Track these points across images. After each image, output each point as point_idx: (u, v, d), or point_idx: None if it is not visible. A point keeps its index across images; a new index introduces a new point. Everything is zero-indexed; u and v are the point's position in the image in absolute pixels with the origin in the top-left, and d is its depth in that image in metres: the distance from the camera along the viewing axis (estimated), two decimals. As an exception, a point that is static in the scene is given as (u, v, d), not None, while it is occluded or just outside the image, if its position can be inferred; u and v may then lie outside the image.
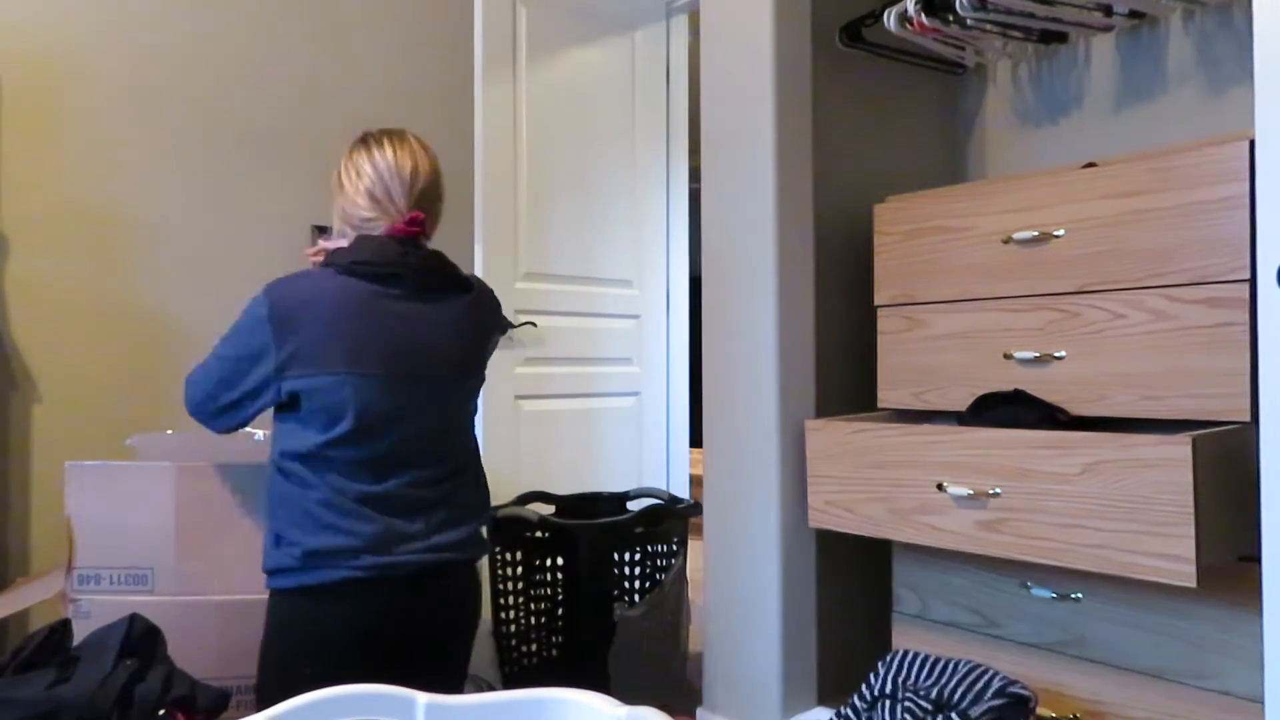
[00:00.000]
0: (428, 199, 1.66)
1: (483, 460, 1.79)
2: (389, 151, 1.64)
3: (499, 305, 1.80)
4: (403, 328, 1.58)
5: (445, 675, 1.67)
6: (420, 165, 1.65)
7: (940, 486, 1.77)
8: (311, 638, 1.58)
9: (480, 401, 1.81)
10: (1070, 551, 1.59)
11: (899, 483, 1.85)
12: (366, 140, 1.67)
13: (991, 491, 1.69)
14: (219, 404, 1.62)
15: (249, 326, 1.57)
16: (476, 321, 1.70)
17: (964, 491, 1.73)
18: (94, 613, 1.80)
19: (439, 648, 1.67)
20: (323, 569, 1.56)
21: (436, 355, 1.62)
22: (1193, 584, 1.45)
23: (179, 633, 1.68)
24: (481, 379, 1.77)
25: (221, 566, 1.87)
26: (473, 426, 1.77)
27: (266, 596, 1.64)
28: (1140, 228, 1.67)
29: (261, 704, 1.56)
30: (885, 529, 1.88)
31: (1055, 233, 1.78)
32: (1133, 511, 1.51)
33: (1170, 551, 1.47)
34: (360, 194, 1.63)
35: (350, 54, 3.14)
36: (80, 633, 1.66)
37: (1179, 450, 1.45)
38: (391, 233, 1.61)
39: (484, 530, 1.77)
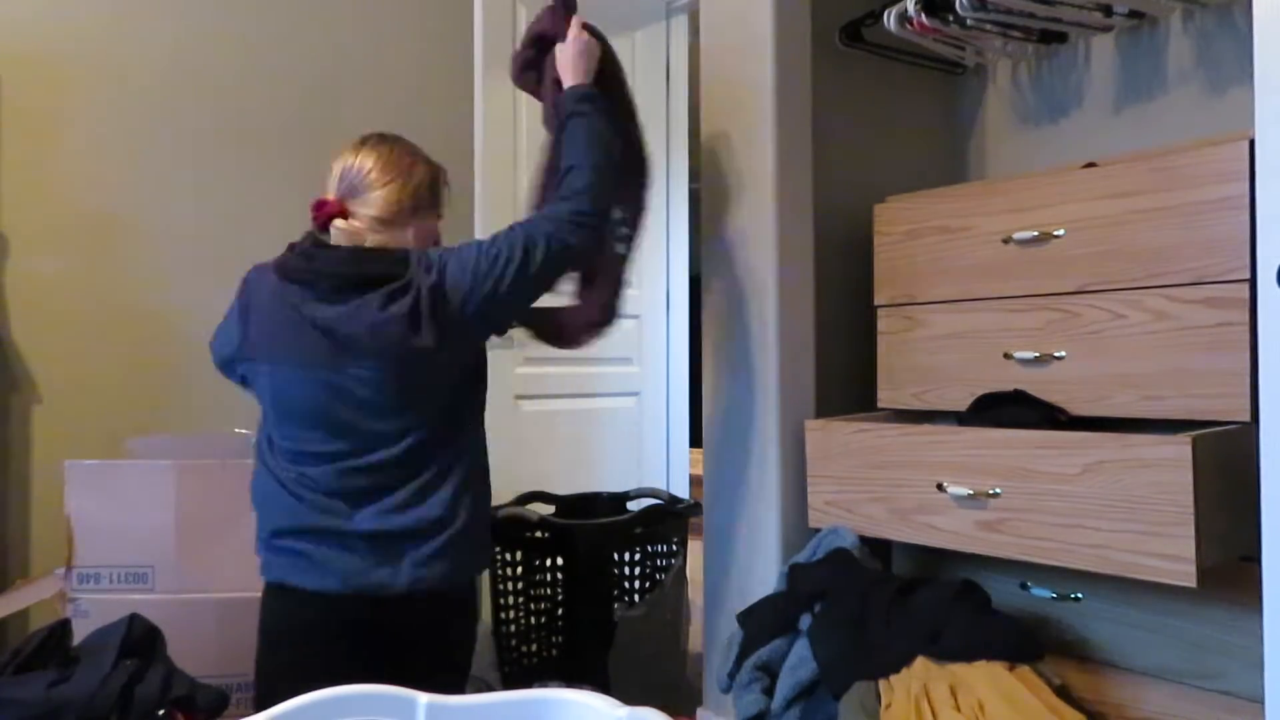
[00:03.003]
0: (361, 189, 1.62)
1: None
2: (353, 153, 1.66)
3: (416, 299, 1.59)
4: (315, 329, 1.56)
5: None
6: (365, 162, 1.63)
7: (940, 486, 1.77)
8: (274, 635, 1.62)
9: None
10: (1070, 551, 1.59)
11: (899, 483, 1.85)
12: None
13: (991, 491, 1.69)
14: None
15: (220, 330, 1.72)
16: (400, 310, 1.54)
17: (964, 491, 1.73)
18: (93, 612, 1.80)
19: (426, 663, 1.63)
20: (267, 567, 1.61)
21: (354, 347, 1.54)
22: (1193, 584, 1.45)
23: (179, 631, 1.68)
24: (442, 362, 1.58)
25: (222, 564, 1.87)
26: (443, 421, 1.62)
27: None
28: (1140, 228, 1.67)
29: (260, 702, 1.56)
30: (885, 529, 1.88)
31: (1055, 233, 1.78)
32: (1133, 511, 1.51)
33: (1170, 551, 1.47)
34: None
35: (350, 54, 3.14)
36: (80, 632, 1.66)
37: (1179, 450, 1.45)
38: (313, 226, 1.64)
39: (454, 546, 1.60)
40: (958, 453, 1.75)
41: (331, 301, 1.56)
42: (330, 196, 1.63)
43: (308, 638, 1.58)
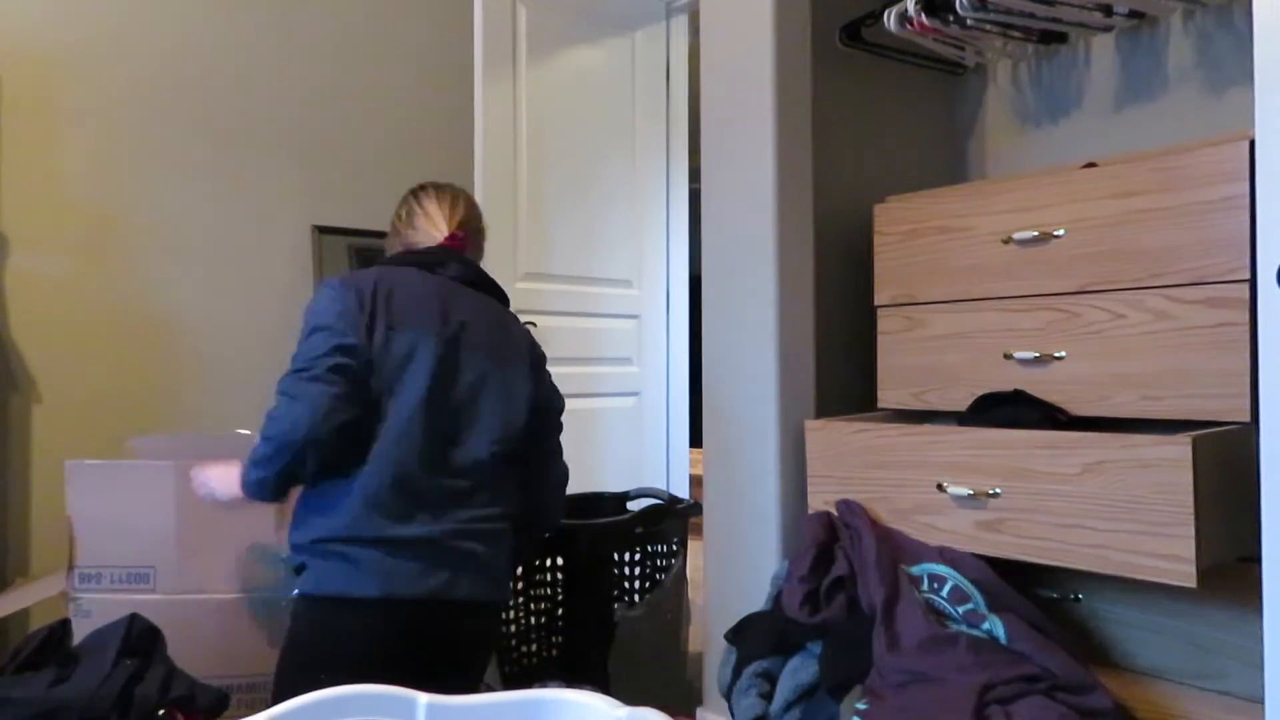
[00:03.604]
0: (469, 226, 1.86)
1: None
2: (433, 195, 1.86)
3: (532, 340, 1.86)
4: (447, 299, 1.71)
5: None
6: (459, 199, 1.88)
7: (940, 486, 1.77)
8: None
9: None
10: (1070, 551, 1.59)
11: (899, 483, 1.85)
12: (416, 191, 1.89)
13: (991, 491, 1.69)
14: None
15: (325, 307, 1.62)
16: (509, 323, 1.81)
17: (964, 491, 1.73)
18: (95, 611, 1.80)
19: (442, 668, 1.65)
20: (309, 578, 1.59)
21: (475, 330, 1.72)
22: (1193, 584, 1.45)
23: (180, 631, 1.68)
24: (524, 401, 1.75)
25: (223, 565, 1.87)
26: (506, 447, 1.71)
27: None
28: (1140, 228, 1.67)
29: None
30: (885, 529, 1.88)
31: (1055, 233, 1.78)
32: (1133, 511, 1.51)
33: (1170, 551, 1.47)
34: (410, 225, 1.84)
35: (351, 54, 3.14)
36: (80, 632, 1.66)
37: (1179, 450, 1.45)
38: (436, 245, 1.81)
39: (489, 564, 1.67)
40: (958, 453, 1.75)
41: (467, 285, 1.83)
42: (446, 229, 1.83)
43: None
